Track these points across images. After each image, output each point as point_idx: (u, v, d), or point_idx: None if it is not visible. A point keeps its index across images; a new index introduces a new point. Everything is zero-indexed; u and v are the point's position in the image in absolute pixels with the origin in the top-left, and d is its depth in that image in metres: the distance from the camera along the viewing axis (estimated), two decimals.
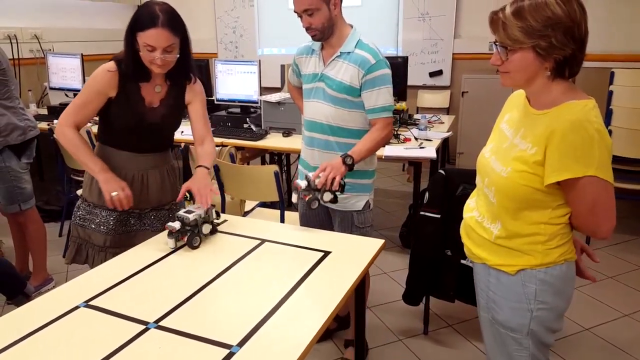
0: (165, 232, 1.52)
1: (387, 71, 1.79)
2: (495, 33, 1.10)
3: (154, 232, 1.74)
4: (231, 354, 1.01)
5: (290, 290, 1.25)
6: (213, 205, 1.55)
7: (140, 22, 1.54)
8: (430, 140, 2.89)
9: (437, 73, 4.90)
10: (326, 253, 1.45)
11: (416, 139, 2.92)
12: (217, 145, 2.79)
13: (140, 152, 1.75)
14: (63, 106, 3.69)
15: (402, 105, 3.39)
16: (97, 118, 1.76)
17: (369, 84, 1.76)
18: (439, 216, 1.98)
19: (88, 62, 3.78)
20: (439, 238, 1.99)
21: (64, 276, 2.81)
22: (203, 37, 5.82)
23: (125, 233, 1.75)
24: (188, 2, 5.83)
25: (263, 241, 1.55)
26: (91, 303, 1.20)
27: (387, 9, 4.97)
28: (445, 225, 1.97)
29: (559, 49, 1.05)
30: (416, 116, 3.54)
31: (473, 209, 1.31)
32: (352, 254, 1.45)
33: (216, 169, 2.57)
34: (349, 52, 1.78)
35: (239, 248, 1.50)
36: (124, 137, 1.72)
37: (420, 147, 2.75)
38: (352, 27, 1.85)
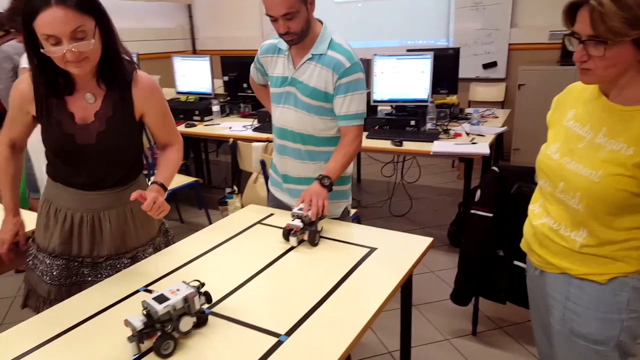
0: None
1: (362, 75, 1.66)
2: (589, 26, 0.97)
3: None
4: (279, 343, 1.03)
5: (336, 284, 1.25)
6: (202, 285, 1.09)
7: (29, 8, 1.12)
8: (483, 135, 2.79)
9: (492, 65, 4.71)
10: (372, 249, 1.44)
11: (468, 134, 2.82)
12: (262, 141, 2.83)
13: (88, 189, 1.37)
14: None
15: (453, 99, 3.29)
16: None
17: (342, 89, 1.63)
18: (491, 215, 1.91)
19: (144, 61, 3.96)
20: (490, 237, 1.92)
21: None
22: (248, 35, 5.91)
23: (76, 284, 1.40)
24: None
25: None
26: (150, 288, 1.26)
27: None
28: (497, 225, 1.90)
29: None
30: (468, 110, 3.43)
31: (542, 216, 1.21)
32: (399, 251, 1.43)
33: (262, 164, 2.61)
34: (321, 54, 1.63)
35: (287, 241, 1.51)
36: (61, 168, 1.36)
37: (472, 143, 2.65)
38: (322, 23, 1.69)
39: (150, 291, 1.24)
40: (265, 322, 1.10)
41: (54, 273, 1.38)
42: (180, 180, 3.32)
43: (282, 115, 1.76)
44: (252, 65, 1.90)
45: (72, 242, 1.39)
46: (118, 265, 1.42)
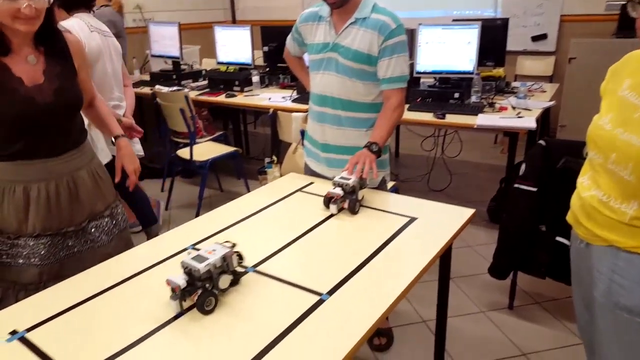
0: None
1: (405, 38, 1.66)
2: None
3: (103, 248, 1.45)
4: (321, 301, 1.07)
5: (376, 250, 1.27)
6: (234, 245, 1.12)
7: None
8: (529, 109, 2.69)
9: (541, 37, 4.48)
10: (412, 219, 1.45)
11: (514, 107, 2.73)
12: (304, 111, 2.85)
13: (55, 155, 1.35)
14: (163, 72, 3.99)
15: (500, 71, 3.18)
16: None
17: (388, 51, 1.63)
18: (535, 190, 1.87)
19: (185, 31, 4.01)
20: (533, 212, 1.88)
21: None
22: (288, 4, 5.83)
23: (66, 258, 1.40)
24: None
25: None
26: (197, 247, 1.33)
27: None
28: (541, 200, 1.86)
29: None
30: (514, 84, 3.31)
31: (591, 188, 1.18)
32: (440, 221, 1.43)
33: (302, 134, 2.63)
34: (365, 18, 1.64)
35: (327, 209, 1.53)
36: (19, 141, 1.29)
37: (518, 117, 2.57)
38: None
39: (198, 249, 1.30)
40: (307, 281, 1.14)
41: (42, 252, 1.35)
42: (219, 150, 3.39)
43: (322, 81, 1.77)
44: (289, 37, 1.91)
45: (51, 215, 1.36)
46: (101, 225, 1.46)
